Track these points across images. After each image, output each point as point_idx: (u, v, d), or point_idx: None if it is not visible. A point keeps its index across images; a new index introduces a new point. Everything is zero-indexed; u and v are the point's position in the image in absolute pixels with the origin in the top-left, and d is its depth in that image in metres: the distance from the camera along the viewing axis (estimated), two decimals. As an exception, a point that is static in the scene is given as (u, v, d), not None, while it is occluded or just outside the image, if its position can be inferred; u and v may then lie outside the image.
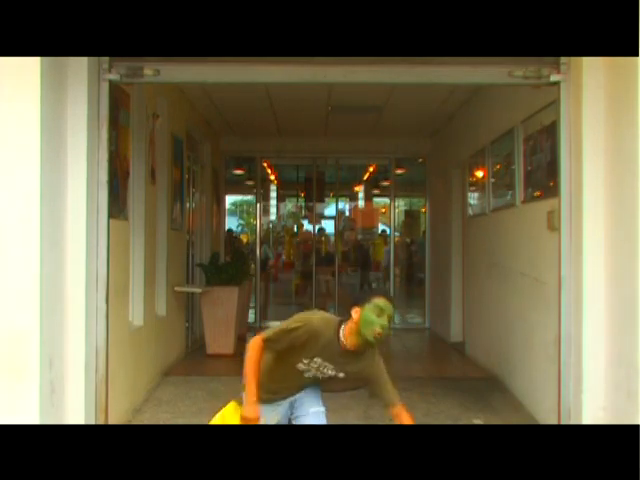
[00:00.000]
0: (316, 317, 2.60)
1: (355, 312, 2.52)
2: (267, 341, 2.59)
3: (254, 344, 2.59)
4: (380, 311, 2.48)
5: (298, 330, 2.54)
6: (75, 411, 3.26)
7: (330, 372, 2.59)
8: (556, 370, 3.60)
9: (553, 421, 3.71)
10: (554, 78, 3.54)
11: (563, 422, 3.49)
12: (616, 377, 3.22)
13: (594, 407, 3.30)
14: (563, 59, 3.50)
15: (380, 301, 2.51)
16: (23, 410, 2.93)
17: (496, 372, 5.78)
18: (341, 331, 2.54)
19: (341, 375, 2.61)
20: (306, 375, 2.61)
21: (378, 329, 2.44)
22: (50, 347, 3.10)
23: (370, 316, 2.47)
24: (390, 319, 2.50)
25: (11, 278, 3.00)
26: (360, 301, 2.58)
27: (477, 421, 4.45)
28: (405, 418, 2.46)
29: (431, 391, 5.28)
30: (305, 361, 2.58)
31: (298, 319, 2.60)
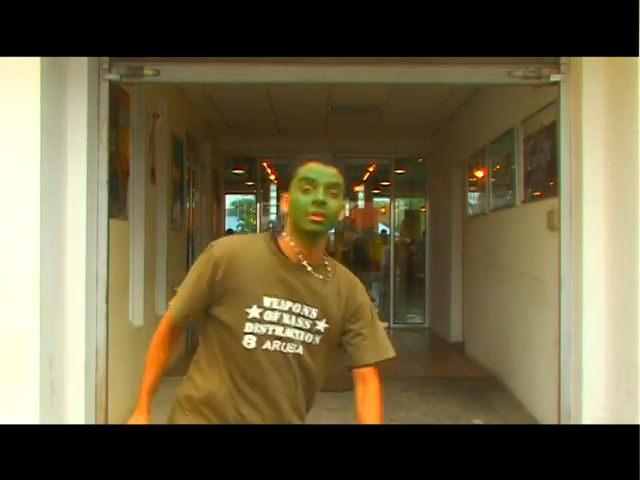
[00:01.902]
0: (223, 239, 1.84)
1: (285, 202, 1.78)
2: (178, 316, 1.80)
3: (159, 327, 1.84)
4: (309, 183, 1.70)
5: (203, 267, 1.75)
6: (75, 411, 3.26)
7: (301, 322, 1.74)
8: (556, 370, 3.60)
9: (553, 421, 3.71)
10: (554, 78, 3.54)
11: (563, 422, 3.49)
12: (616, 377, 3.22)
13: (594, 407, 3.30)
14: (563, 59, 3.50)
15: (307, 168, 1.73)
16: (23, 410, 2.93)
17: (496, 372, 5.78)
18: (280, 242, 1.77)
19: (321, 326, 1.76)
20: (272, 349, 1.71)
21: (311, 208, 1.66)
22: (50, 347, 3.10)
23: (297, 196, 1.70)
24: (330, 186, 1.71)
25: (11, 278, 3.00)
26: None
27: (477, 421, 4.45)
28: (370, 392, 1.79)
29: (431, 391, 5.28)
30: (252, 313, 1.70)
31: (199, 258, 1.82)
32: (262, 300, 1.71)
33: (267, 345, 1.71)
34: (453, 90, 6.39)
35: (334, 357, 1.88)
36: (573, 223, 3.46)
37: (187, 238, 7.08)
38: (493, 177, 6.09)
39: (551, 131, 4.16)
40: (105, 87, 3.51)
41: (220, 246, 1.77)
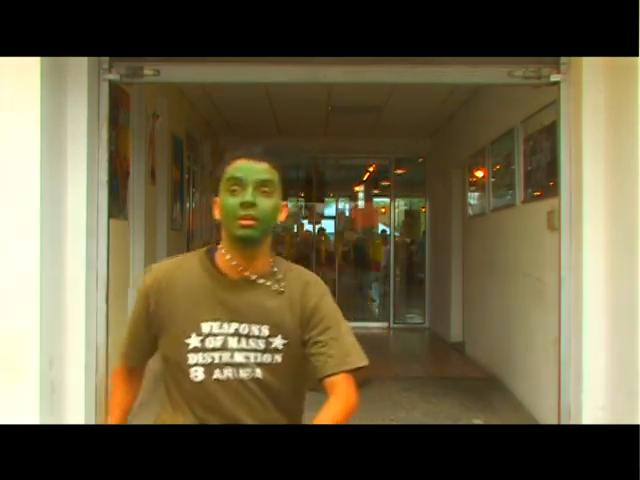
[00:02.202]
0: (156, 264, 1.68)
1: (216, 207, 1.57)
2: (125, 358, 1.72)
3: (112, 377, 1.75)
4: (236, 183, 1.50)
5: (136, 300, 1.64)
6: (75, 411, 3.26)
7: (252, 343, 1.54)
8: (556, 370, 3.60)
9: (553, 421, 3.71)
10: (554, 78, 3.54)
11: (563, 422, 3.49)
12: (616, 377, 3.22)
13: (594, 407, 3.30)
14: (563, 59, 3.50)
15: (233, 166, 1.53)
16: (23, 410, 2.93)
17: (496, 372, 5.77)
18: (217, 257, 1.59)
19: (278, 343, 1.55)
20: (225, 377, 1.54)
21: (240, 211, 1.47)
22: (50, 347, 3.10)
23: (224, 199, 1.50)
24: (261, 184, 1.50)
25: (11, 278, 3.00)
26: None
27: (477, 421, 4.46)
28: (334, 403, 1.51)
29: (431, 391, 5.28)
30: (192, 343, 1.53)
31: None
32: (200, 327, 1.53)
33: (217, 375, 1.53)
34: (453, 90, 6.39)
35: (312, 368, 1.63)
36: (573, 223, 3.46)
37: (187, 238, 7.08)
38: (493, 177, 6.09)
39: (551, 131, 4.16)
40: (105, 87, 3.51)
41: (150, 273, 1.62)
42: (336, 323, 1.60)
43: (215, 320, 1.54)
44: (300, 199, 11.62)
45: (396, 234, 10.42)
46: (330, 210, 11.22)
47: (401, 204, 11.39)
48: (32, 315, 2.97)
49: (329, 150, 9.21)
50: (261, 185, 1.51)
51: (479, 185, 6.82)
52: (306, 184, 10.43)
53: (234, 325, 1.54)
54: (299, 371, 1.62)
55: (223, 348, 1.53)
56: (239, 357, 1.54)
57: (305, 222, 11.46)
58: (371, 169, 11.14)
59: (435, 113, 7.61)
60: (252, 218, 1.48)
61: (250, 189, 1.49)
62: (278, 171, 1.57)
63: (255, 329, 1.54)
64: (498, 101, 5.66)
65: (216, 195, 1.56)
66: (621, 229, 3.19)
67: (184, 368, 1.54)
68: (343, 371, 1.55)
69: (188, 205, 7.07)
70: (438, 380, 5.82)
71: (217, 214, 1.55)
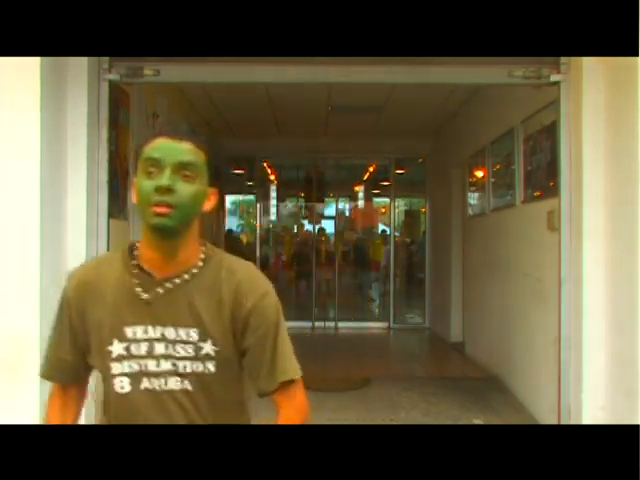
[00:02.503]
0: (77, 268, 1.51)
1: (134, 190, 1.37)
2: (48, 376, 1.52)
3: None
4: (153, 164, 1.32)
5: (58, 311, 1.48)
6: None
7: (181, 350, 1.37)
8: (556, 370, 3.60)
9: (553, 421, 3.71)
10: (554, 78, 3.54)
11: (563, 422, 3.49)
12: (616, 377, 3.22)
13: (594, 407, 3.30)
14: (563, 59, 3.50)
15: (152, 145, 1.34)
16: (23, 410, 2.93)
17: (496, 372, 5.77)
18: (140, 252, 1.42)
19: (208, 349, 1.37)
20: (152, 388, 1.38)
21: (154, 197, 1.29)
22: (50, 347, 3.10)
23: (140, 182, 1.33)
24: (182, 166, 1.32)
25: (11, 278, 3.00)
26: None
27: (477, 421, 4.45)
28: (284, 412, 1.43)
29: (431, 391, 5.28)
30: (115, 350, 1.38)
31: None
32: (123, 332, 1.37)
33: (146, 384, 1.37)
34: (453, 90, 6.39)
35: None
36: (573, 223, 3.46)
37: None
38: (493, 177, 6.09)
39: (551, 131, 4.16)
40: (105, 87, 3.52)
41: (70, 279, 1.45)
42: (272, 334, 1.41)
43: (139, 324, 1.37)
44: (300, 199, 11.63)
45: (396, 234, 10.42)
46: (330, 210, 11.22)
47: (401, 204, 11.40)
48: (32, 315, 2.97)
49: (329, 150, 9.21)
50: (181, 168, 1.32)
51: (479, 185, 6.82)
52: (306, 184, 10.43)
53: (160, 329, 1.37)
54: (238, 381, 1.45)
55: (149, 355, 1.36)
56: (166, 365, 1.37)
57: (305, 222, 11.46)
58: (371, 169, 11.14)
59: (435, 113, 7.61)
60: (168, 205, 1.28)
61: (168, 172, 1.30)
62: (205, 153, 1.38)
63: (183, 333, 1.36)
64: (498, 101, 5.66)
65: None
66: (621, 229, 3.19)
67: (109, 379, 1.39)
68: (278, 387, 1.41)
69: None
70: (438, 380, 5.82)
71: (134, 198, 1.35)
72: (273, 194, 11.59)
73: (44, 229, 3.05)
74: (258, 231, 10.10)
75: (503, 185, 5.75)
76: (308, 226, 11.15)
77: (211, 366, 1.37)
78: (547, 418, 4.07)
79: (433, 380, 5.82)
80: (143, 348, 1.37)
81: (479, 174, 6.72)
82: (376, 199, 12.49)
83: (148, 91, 5.12)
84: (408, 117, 7.85)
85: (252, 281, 1.43)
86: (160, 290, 1.38)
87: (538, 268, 4.57)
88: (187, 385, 1.37)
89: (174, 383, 1.37)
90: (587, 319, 3.34)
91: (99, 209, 3.47)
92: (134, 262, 1.41)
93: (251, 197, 10.93)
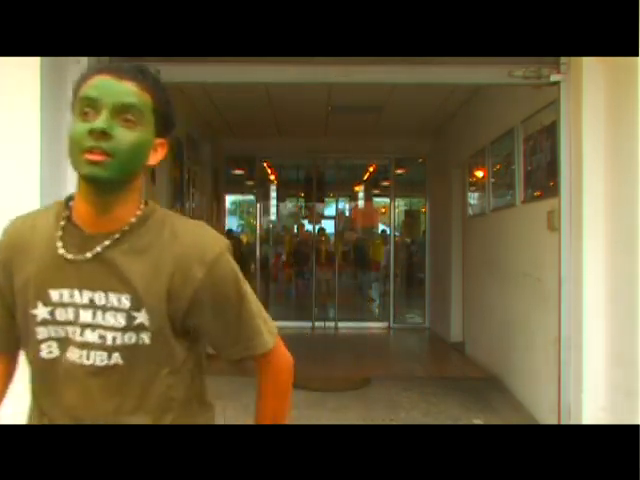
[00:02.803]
0: (8, 224, 1.31)
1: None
2: None
3: None
4: (89, 104, 1.15)
5: None
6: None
7: (111, 318, 1.19)
8: (556, 370, 3.60)
9: (553, 421, 3.71)
10: (554, 78, 3.54)
11: (563, 422, 3.49)
12: (616, 377, 3.22)
13: (594, 407, 3.30)
14: (563, 59, 3.50)
15: (89, 83, 1.17)
16: (23, 410, 2.92)
17: (496, 372, 5.77)
18: (74, 205, 1.24)
19: (143, 318, 1.18)
20: (72, 360, 1.21)
21: (87, 142, 1.12)
22: (50, 347, 3.10)
23: (72, 125, 1.16)
24: (123, 109, 1.15)
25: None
26: None
27: (477, 421, 4.45)
28: (266, 379, 1.32)
29: (431, 391, 5.28)
30: (40, 314, 1.22)
31: None
32: (48, 294, 1.20)
33: (70, 354, 1.21)
34: (453, 90, 6.39)
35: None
36: (573, 223, 3.46)
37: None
38: (493, 177, 6.09)
39: (551, 131, 4.16)
40: (105, 87, 3.52)
41: (3, 234, 1.29)
42: (233, 306, 1.24)
43: (65, 287, 1.20)
44: (300, 199, 11.63)
45: (396, 234, 10.42)
46: (330, 210, 11.23)
47: (401, 204, 11.40)
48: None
49: (329, 150, 9.22)
50: (122, 110, 1.15)
51: (479, 185, 6.82)
52: (306, 184, 10.43)
53: (87, 293, 1.19)
54: (177, 356, 1.25)
55: (75, 322, 1.20)
56: (92, 336, 1.19)
57: (305, 222, 11.47)
58: (371, 169, 11.14)
59: (435, 113, 7.61)
60: (103, 152, 1.12)
61: (105, 114, 1.13)
62: (153, 97, 1.21)
63: (114, 299, 1.19)
64: (498, 101, 5.66)
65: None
66: (621, 229, 3.19)
67: (34, 346, 1.24)
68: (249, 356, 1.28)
69: (188, 205, 7.07)
70: (438, 380, 5.82)
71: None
72: (273, 194, 11.60)
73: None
74: (258, 231, 10.10)
75: (503, 185, 5.75)
76: (308, 226, 11.16)
77: (146, 337, 1.19)
78: (547, 418, 4.07)
79: (433, 380, 5.82)
80: (70, 314, 1.20)
81: (479, 174, 6.72)
82: (376, 199, 12.50)
83: (148, 91, 5.12)
84: (408, 117, 7.85)
85: (200, 246, 1.21)
86: (91, 249, 1.19)
87: (538, 268, 4.57)
88: (116, 359, 1.19)
89: (98, 357, 1.19)
90: (587, 319, 3.34)
91: (99, 209, 3.47)
92: (64, 214, 1.23)
93: (251, 197, 10.94)
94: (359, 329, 9.45)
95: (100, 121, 1.12)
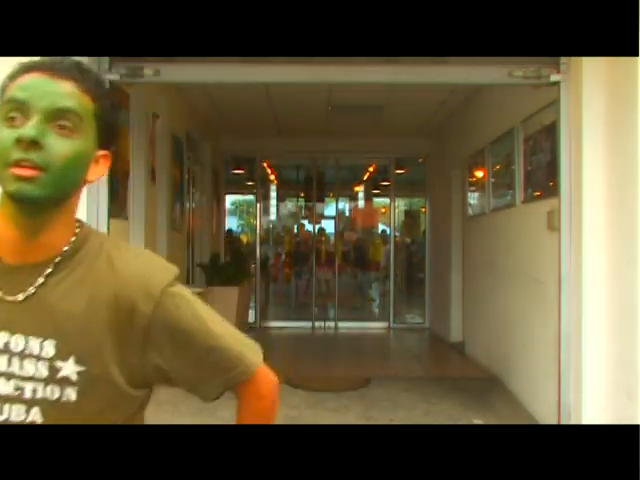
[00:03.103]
0: None
1: None
2: None
3: None
4: (17, 108, 0.97)
5: None
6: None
7: (30, 367, 0.99)
8: (556, 370, 3.60)
9: (553, 421, 3.71)
10: (554, 78, 3.54)
11: (563, 422, 3.49)
12: (616, 377, 3.22)
13: (594, 407, 3.30)
14: (563, 59, 3.50)
15: (18, 82, 0.99)
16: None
17: (496, 372, 5.77)
18: None
19: (69, 370, 0.99)
20: None
21: (15, 153, 0.93)
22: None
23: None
24: (58, 114, 0.96)
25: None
26: None
27: (477, 421, 4.45)
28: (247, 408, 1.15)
29: (431, 391, 5.28)
30: None
31: None
32: None
33: None
34: (453, 90, 6.39)
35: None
36: (573, 223, 3.46)
37: (187, 238, 7.09)
38: (493, 177, 6.09)
39: (551, 131, 4.16)
40: (105, 87, 3.52)
41: None
42: (199, 338, 1.05)
43: None
44: (300, 199, 11.64)
45: (396, 234, 10.42)
46: (330, 210, 11.23)
47: (401, 204, 11.41)
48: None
49: (329, 150, 9.22)
50: (56, 116, 0.96)
51: (479, 185, 6.82)
52: (306, 184, 10.43)
53: (4, 336, 0.99)
54: (117, 413, 1.07)
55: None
56: (6, 387, 0.99)
57: (305, 222, 11.47)
58: (371, 169, 11.15)
59: (435, 113, 7.61)
60: (33, 166, 0.93)
61: (36, 119, 0.94)
62: (95, 101, 1.01)
63: (35, 345, 0.99)
64: (498, 101, 5.66)
65: None
66: (621, 229, 3.19)
67: None
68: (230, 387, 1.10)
69: (188, 205, 7.08)
70: (438, 380, 5.82)
71: None
72: (273, 194, 11.61)
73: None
74: (258, 231, 10.11)
75: (503, 185, 5.75)
76: (308, 226, 11.16)
77: (72, 393, 1.00)
78: (547, 418, 4.07)
79: (433, 380, 5.82)
80: None
81: (479, 174, 6.72)
82: (376, 199, 12.51)
83: (148, 91, 5.12)
84: (408, 117, 7.85)
85: (145, 277, 1.03)
86: (11, 282, 1.00)
87: (538, 268, 4.57)
88: (36, 416, 1.00)
89: (16, 413, 1.00)
90: (587, 319, 3.34)
91: (99, 209, 3.47)
92: None
93: (251, 197, 10.93)
94: (359, 329, 9.45)
95: (30, 128, 0.93)
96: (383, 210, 11.96)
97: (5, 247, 1.00)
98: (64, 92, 0.98)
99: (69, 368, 0.99)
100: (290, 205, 12.32)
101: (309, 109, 7.46)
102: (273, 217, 11.71)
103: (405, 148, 9.29)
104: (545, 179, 4.48)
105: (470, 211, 7.20)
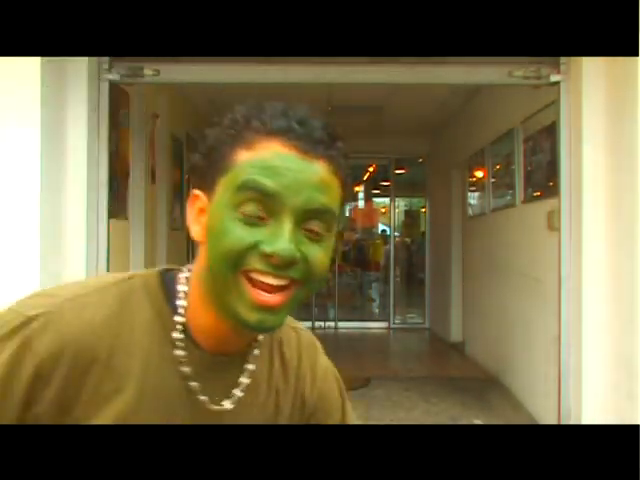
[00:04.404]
0: (67, 294, 0.83)
1: (197, 215, 0.82)
2: None
3: None
4: (261, 200, 0.69)
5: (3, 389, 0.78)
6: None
7: None
8: (556, 370, 3.60)
9: (553, 421, 3.71)
10: (554, 78, 3.54)
11: (563, 422, 3.49)
12: (616, 377, 3.22)
13: (594, 407, 3.30)
14: (563, 59, 3.50)
15: (260, 156, 0.71)
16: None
17: (496, 372, 5.78)
18: (180, 301, 0.80)
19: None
20: None
21: (256, 264, 0.69)
22: (50, 347, 3.10)
23: (228, 227, 0.71)
24: (314, 214, 0.71)
25: (11, 279, 3.00)
26: None
27: (477, 421, 4.45)
28: None
29: (431, 391, 5.28)
30: None
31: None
32: None
33: None
34: (453, 90, 6.39)
35: None
36: (573, 223, 3.46)
37: (187, 238, 7.08)
38: (493, 177, 6.10)
39: (551, 131, 4.16)
40: (105, 87, 3.52)
41: (45, 332, 0.78)
42: (342, 408, 1.05)
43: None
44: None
45: (396, 234, 10.42)
46: (330, 210, 11.22)
47: (401, 204, 11.40)
48: (32, 315, 2.97)
49: (329, 150, 9.21)
50: (308, 217, 0.72)
51: (479, 185, 6.82)
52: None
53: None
54: None
55: None
56: None
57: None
58: (371, 169, 11.14)
59: (435, 113, 7.61)
60: (285, 286, 0.72)
61: (288, 224, 0.70)
62: (343, 182, 0.77)
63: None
64: (498, 101, 5.66)
65: (202, 188, 0.79)
66: (621, 229, 3.19)
67: None
68: None
69: (188, 205, 7.07)
70: (438, 380, 5.82)
71: (196, 232, 0.81)
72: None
73: (44, 229, 3.05)
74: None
75: (503, 185, 5.75)
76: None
77: None
78: (547, 418, 4.07)
79: (433, 380, 5.82)
80: None
81: (479, 174, 6.72)
82: (376, 199, 12.50)
83: (148, 91, 5.12)
84: (408, 117, 7.85)
85: (311, 347, 0.99)
86: (210, 372, 0.82)
87: (538, 268, 4.57)
88: None
89: None
90: (587, 319, 3.34)
91: (99, 209, 3.47)
92: (178, 319, 0.79)
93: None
94: (359, 329, 9.45)
95: (284, 240, 0.69)
96: (383, 210, 11.96)
97: (208, 334, 0.80)
98: (319, 181, 0.71)
99: None
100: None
101: (309, 109, 7.46)
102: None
103: (405, 148, 9.29)
104: (545, 179, 4.49)
105: (470, 211, 7.20)
